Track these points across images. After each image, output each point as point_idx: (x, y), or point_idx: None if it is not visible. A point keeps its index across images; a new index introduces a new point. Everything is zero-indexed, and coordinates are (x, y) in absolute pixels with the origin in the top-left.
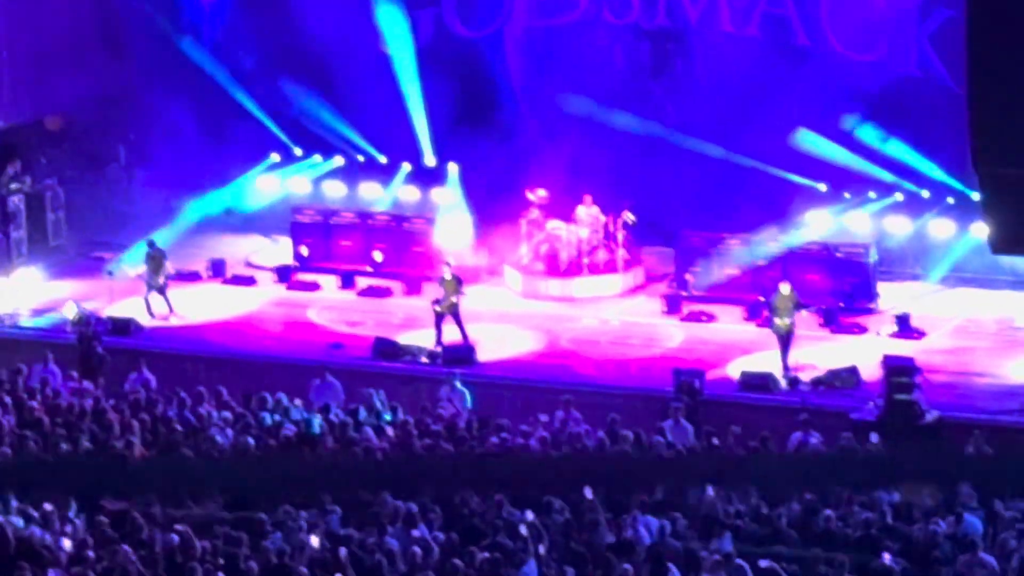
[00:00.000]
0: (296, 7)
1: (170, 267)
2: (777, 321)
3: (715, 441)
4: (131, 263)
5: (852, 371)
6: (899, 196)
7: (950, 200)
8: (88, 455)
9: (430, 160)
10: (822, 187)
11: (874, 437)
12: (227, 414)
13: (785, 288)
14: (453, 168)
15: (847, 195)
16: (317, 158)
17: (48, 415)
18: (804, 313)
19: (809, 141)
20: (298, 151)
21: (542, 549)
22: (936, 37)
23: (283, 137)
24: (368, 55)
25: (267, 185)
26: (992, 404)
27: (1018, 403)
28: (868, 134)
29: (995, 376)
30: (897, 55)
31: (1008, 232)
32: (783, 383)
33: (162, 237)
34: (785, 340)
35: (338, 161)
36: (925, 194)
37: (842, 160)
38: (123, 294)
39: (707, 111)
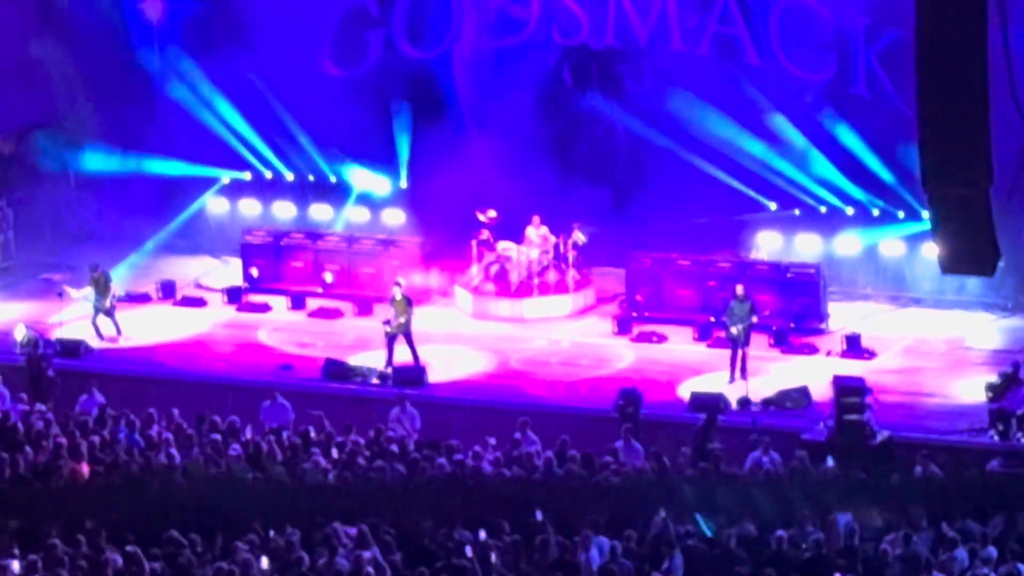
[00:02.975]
0: (249, 21)
1: (116, 289)
2: (732, 328)
3: (666, 462)
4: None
5: (802, 391)
6: (823, 209)
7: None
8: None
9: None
10: (772, 206)
11: (829, 461)
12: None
13: (739, 289)
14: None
15: (797, 212)
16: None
17: None
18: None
19: (760, 160)
20: (247, 175)
21: (491, 571)
22: (884, 57)
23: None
24: (315, 73)
25: (216, 206)
26: (942, 424)
27: (967, 423)
28: (816, 152)
29: (945, 396)
30: (846, 74)
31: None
32: (733, 403)
33: (112, 258)
34: (737, 346)
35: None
36: (875, 212)
37: (793, 178)
38: (72, 316)
39: (657, 131)
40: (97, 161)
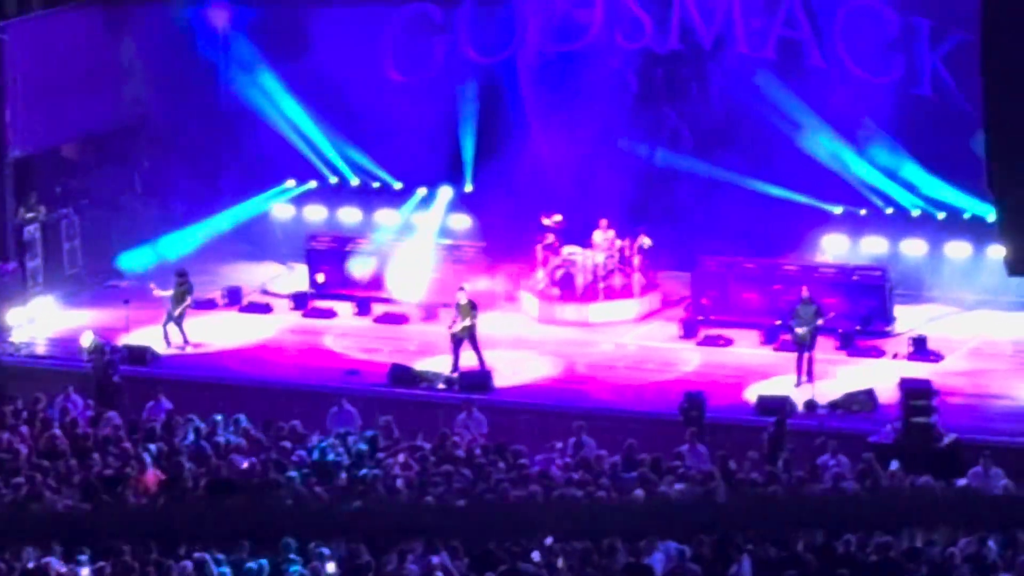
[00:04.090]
0: (309, 32)
1: (190, 300)
2: (797, 330)
3: (732, 465)
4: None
5: (869, 394)
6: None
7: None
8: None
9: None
10: (837, 210)
11: (894, 464)
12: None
13: (805, 292)
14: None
15: (863, 212)
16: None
17: (69, 443)
18: (820, 322)
19: (825, 161)
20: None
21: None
22: (949, 59)
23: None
24: (379, 80)
25: (282, 212)
26: (1009, 426)
27: None
28: (883, 154)
29: (1012, 398)
30: (911, 77)
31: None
32: (800, 406)
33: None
34: (803, 349)
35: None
36: (941, 216)
37: (858, 180)
38: (140, 323)
39: (722, 134)
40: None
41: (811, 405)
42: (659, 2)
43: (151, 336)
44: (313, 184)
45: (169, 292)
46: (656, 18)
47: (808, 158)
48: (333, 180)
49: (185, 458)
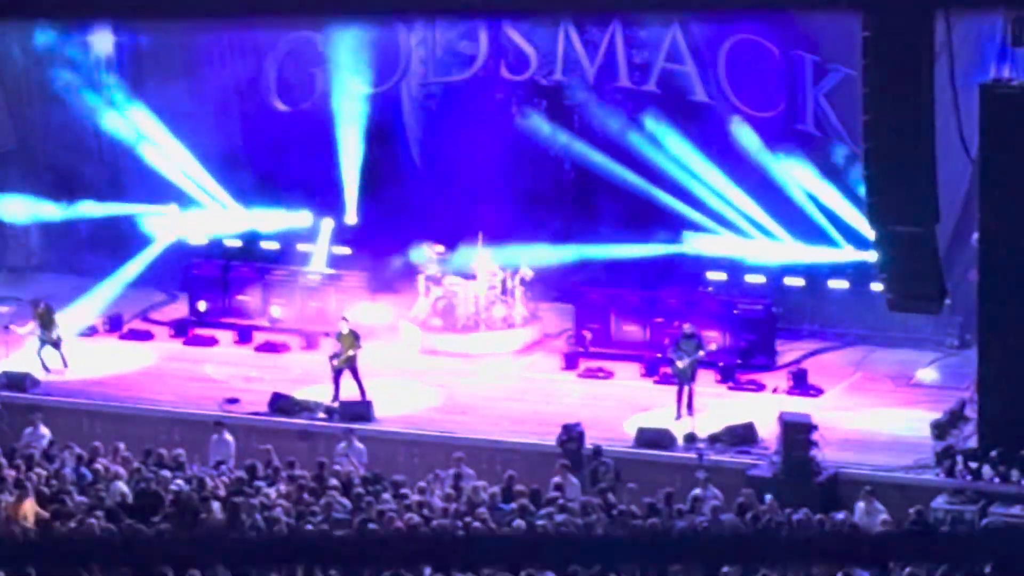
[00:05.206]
0: (194, 56)
1: (59, 321)
2: (678, 363)
3: (611, 498)
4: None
5: (749, 428)
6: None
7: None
8: None
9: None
10: (722, 240)
11: (767, 498)
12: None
13: (687, 326)
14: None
15: (747, 245)
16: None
17: None
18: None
19: (710, 194)
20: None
21: None
22: (832, 94)
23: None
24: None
25: (163, 239)
26: (888, 461)
27: (913, 459)
28: (767, 192)
29: (891, 433)
30: (794, 112)
31: (904, 289)
32: (680, 439)
33: (60, 292)
34: (684, 382)
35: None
36: (822, 250)
37: (742, 212)
38: (17, 348)
39: (606, 166)
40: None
41: (691, 438)
42: (544, 35)
43: (30, 362)
44: (195, 209)
45: (28, 326)
46: (540, 50)
47: (694, 190)
48: (217, 209)
49: (68, 485)
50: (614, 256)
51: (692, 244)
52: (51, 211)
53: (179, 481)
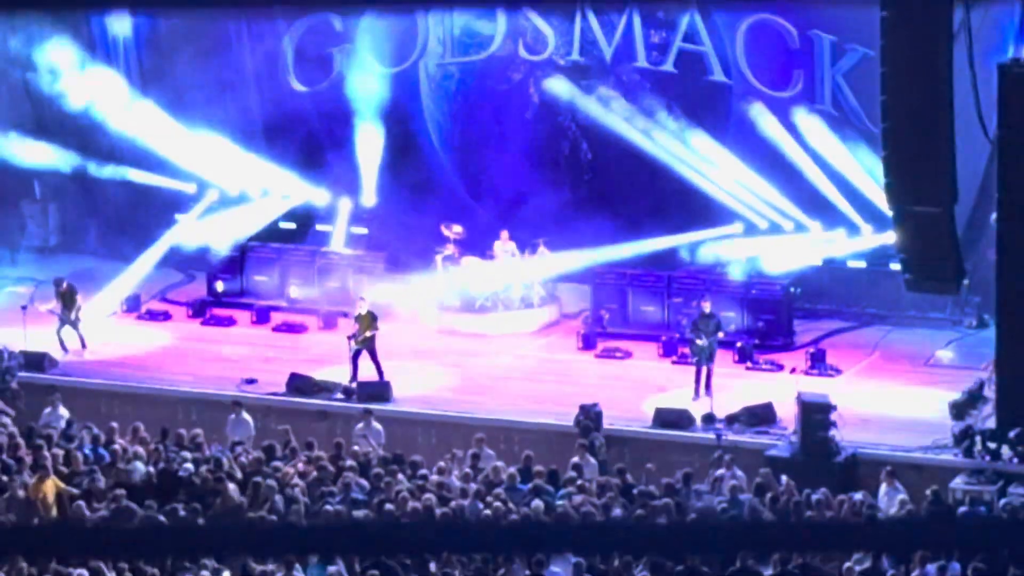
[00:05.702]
0: (213, 37)
1: (81, 301)
2: (697, 343)
3: (629, 478)
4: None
5: (767, 408)
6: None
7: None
8: None
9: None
10: (739, 227)
11: (783, 479)
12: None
13: (705, 306)
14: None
15: (764, 225)
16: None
17: None
18: (722, 335)
19: (728, 175)
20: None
21: None
22: (850, 74)
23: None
24: (281, 89)
25: (182, 220)
26: (907, 441)
27: (932, 439)
28: (784, 173)
29: (910, 413)
30: (812, 91)
31: (922, 270)
32: (698, 420)
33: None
34: (702, 362)
35: (213, 196)
36: (840, 231)
37: (760, 194)
38: (37, 328)
39: (624, 147)
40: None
41: (709, 418)
42: (561, 15)
43: (49, 342)
44: (214, 195)
45: (51, 304)
46: (558, 31)
47: (712, 171)
48: (233, 191)
49: (84, 465)
50: (630, 252)
51: (711, 247)
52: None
53: (187, 465)
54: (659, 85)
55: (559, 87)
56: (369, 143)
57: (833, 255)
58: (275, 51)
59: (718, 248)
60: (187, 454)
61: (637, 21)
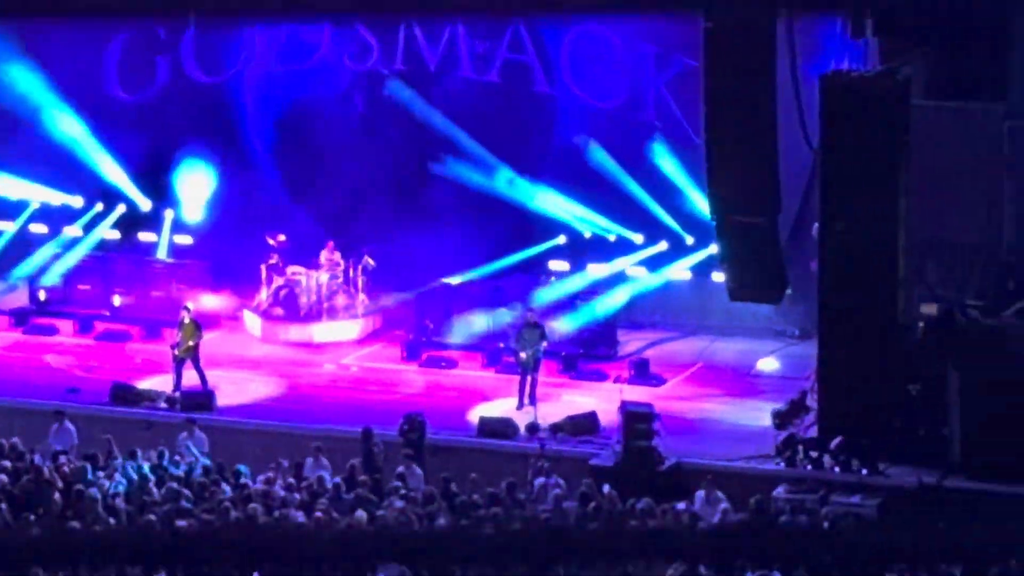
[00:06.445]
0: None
1: None
2: (521, 353)
3: (453, 487)
4: None
5: (591, 417)
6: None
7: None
8: None
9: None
10: (561, 239)
11: (606, 487)
12: None
13: (530, 315)
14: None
15: (587, 234)
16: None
17: None
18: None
19: (552, 186)
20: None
21: None
22: (673, 85)
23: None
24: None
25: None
26: (730, 449)
27: (754, 448)
28: (608, 184)
29: (732, 422)
30: (636, 102)
31: (745, 280)
32: (522, 429)
33: None
34: (526, 372)
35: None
36: (662, 244)
37: (585, 204)
38: None
39: (449, 156)
40: None
41: (533, 428)
42: (385, 25)
43: None
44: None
45: None
46: (382, 40)
47: (534, 183)
48: (55, 201)
49: None
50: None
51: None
52: None
53: (2, 475)
54: (483, 95)
55: (385, 96)
56: (193, 151)
57: (660, 268)
58: (97, 58)
59: (547, 260)
60: (7, 463)
61: (462, 31)
